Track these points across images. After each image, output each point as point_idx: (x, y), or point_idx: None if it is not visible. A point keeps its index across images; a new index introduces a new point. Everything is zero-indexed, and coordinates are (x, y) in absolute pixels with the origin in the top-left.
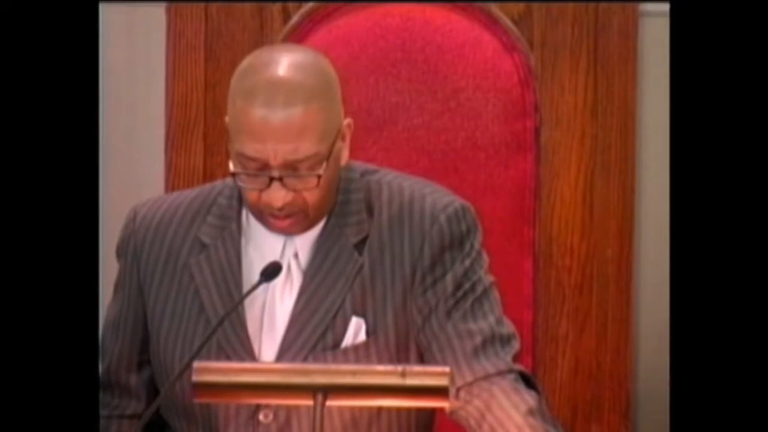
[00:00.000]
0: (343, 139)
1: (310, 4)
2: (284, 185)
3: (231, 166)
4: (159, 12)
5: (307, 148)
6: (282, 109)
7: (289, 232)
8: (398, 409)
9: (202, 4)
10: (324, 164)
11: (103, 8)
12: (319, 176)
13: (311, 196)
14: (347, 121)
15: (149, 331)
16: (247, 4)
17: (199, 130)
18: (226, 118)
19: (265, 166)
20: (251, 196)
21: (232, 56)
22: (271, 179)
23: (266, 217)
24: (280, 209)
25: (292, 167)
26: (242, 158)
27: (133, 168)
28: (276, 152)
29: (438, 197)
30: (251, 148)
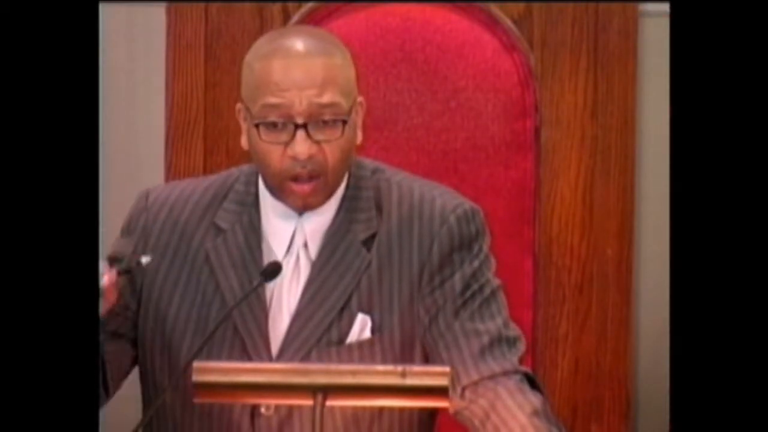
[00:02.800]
0: (357, 115)
1: (310, 4)
2: (309, 135)
3: (244, 141)
4: (159, 12)
5: (330, 95)
6: (303, 58)
7: (308, 203)
8: (401, 409)
9: (202, 4)
10: (346, 119)
11: (103, 8)
12: (344, 122)
13: (332, 154)
14: (360, 98)
15: (145, 309)
16: (247, 4)
17: (199, 130)
18: (238, 105)
19: (289, 117)
20: (273, 156)
21: (232, 56)
22: (296, 127)
23: (287, 184)
24: (304, 165)
25: (316, 114)
26: (266, 109)
27: (133, 168)
28: (300, 98)
29: (448, 199)
30: (275, 96)
